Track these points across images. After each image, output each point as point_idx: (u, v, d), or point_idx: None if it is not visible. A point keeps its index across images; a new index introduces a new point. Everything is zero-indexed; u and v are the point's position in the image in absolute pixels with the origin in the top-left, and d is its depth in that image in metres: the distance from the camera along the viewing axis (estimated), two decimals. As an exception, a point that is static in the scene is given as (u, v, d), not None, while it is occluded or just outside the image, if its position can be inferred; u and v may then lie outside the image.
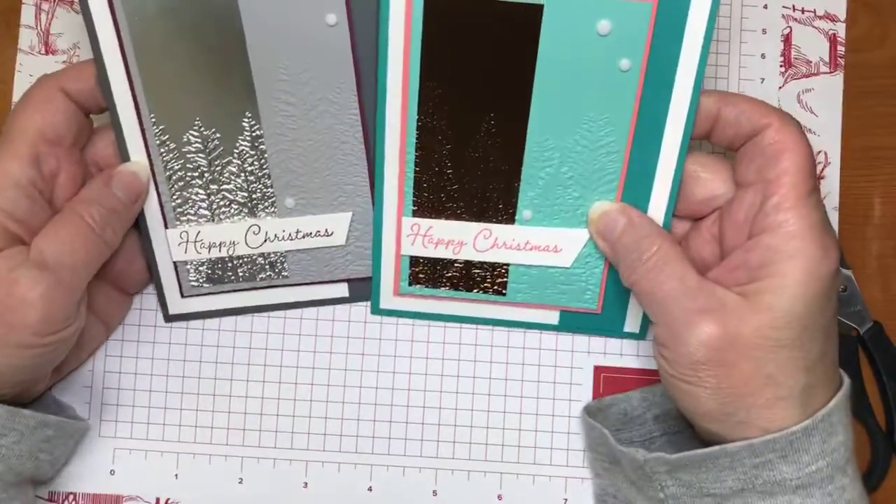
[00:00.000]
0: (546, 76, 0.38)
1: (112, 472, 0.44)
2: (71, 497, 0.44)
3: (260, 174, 0.41)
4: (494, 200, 0.41)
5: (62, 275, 0.36)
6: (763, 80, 0.45)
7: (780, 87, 0.45)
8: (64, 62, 0.45)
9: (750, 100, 0.37)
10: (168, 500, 0.44)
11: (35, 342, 0.36)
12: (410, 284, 0.43)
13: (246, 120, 0.40)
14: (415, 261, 0.42)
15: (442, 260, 0.42)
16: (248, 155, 0.40)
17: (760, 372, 0.34)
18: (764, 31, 0.46)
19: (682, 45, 0.37)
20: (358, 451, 0.44)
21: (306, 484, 0.44)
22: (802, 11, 0.46)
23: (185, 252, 0.42)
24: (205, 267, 0.42)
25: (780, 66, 0.45)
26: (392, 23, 0.38)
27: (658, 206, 0.40)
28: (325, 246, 0.42)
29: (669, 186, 0.39)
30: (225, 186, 0.41)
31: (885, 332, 0.44)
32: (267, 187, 0.41)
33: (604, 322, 0.43)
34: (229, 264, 0.42)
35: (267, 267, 0.42)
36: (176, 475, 0.44)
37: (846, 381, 0.36)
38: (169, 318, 0.44)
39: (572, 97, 0.38)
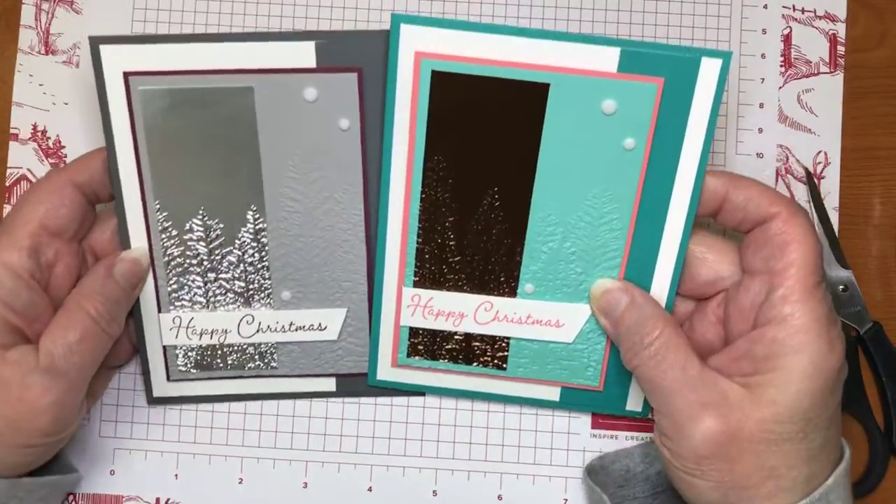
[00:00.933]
0: (550, 153, 0.38)
1: (112, 472, 0.44)
2: (71, 497, 0.44)
3: (259, 266, 0.41)
4: (496, 273, 0.40)
5: (72, 376, 0.36)
6: (763, 80, 0.45)
7: (780, 87, 0.45)
8: (64, 62, 0.45)
9: (759, 186, 0.37)
10: (168, 500, 0.44)
11: (43, 442, 0.37)
12: (409, 356, 0.42)
13: (251, 213, 0.40)
14: (414, 332, 0.42)
15: (442, 332, 0.42)
16: (249, 246, 0.41)
17: (763, 465, 0.34)
18: (764, 31, 0.46)
19: (688, 125, 0.37)
20: (358, 452, 0.44)
21: (306, 484, 0.44)
22: (802, 11, 0.46)
23: (176, 337, 0.42)
24: (194, 353, 0.42)
25: (781, 66, 0.45)
26: (399, 96, 0.38)
27: (661, 284, 0.40)
28: (316, 340, 0.42)
29: (673, 265, 0.39)
30: (223, 275, 0.41)
31: (884, 332, 0.44)
32: (265, 279, 0.41)
33: (605, 400, 0.43)
34: (219, 352, 0.42)
35: (257, 357, 0.42)
36: (176, 475, 0.44)
37: (846, 453, 0.36)
38: (153, 400, 0.43)
39: (576, 174, 0.38)
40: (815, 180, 0.45)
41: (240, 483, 0.44)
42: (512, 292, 0.41)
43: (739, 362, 0.35)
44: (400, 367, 0.43)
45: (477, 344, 0.42)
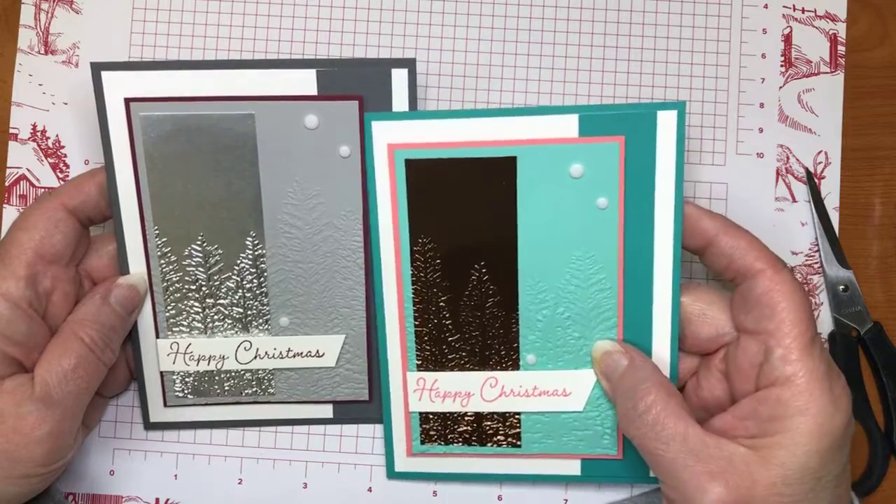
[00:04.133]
0: (528, 222, 0.39)
1: (112, 473, 0.44)
2: (71, 497, 0.44)
3: (258, 292, 0.41)
4: (496, 347, 0.41)
5: (67, 405, 0.36)
6: (763, 80, 0.45)
7: (780, 87, 0.45)
8: (63, 62, 0.45)
9: (748, 237, 0.37)
10: (168, 500, 0.44)
11: (40, 472, 0.36)
12: (422, 443, 0.42)
13: (249, 239, 0.40)
14: (425, 417, 0.42)
15: (452, 414, 0.42)
16: (247, 272, 0.41)
17: None
18: (764, 31, 0.45)
19: (656, 176, 0.38)
20: (358, 452, 0.44)
21: (306, 484, 0.44)
22: (803, 11, 0.46)
23: (174, 363, 0.42)
24: (191, 379, 0.42)
25: (781, 65, 0.45)
26: (379, 184, 0.39)
27: (662, 341, 0.40)
28: (314, 367, 0.42)
29: (669, 319, 0.39)
30: (221, 301, 0.41)
31: (885, 332, 0.44)
32: (263, 305, 0.41)
33: (627, 468, 0.42)
34: (216, 378, 0.42)
35: (254, 383, 0.42)
36: (175, 475, 0.44)
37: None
38: (149, 425, 0.43)
39: (556, 239, 0.39)
40: (816, 180, 0.45)
41: (240, 483, 0.44)
42: (514, 365, 0.41)
43: (745, 423, 0.35)
44: (416, 456, 0.43)
45: (488, 423, 0.42)
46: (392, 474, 0.43)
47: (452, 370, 0.41)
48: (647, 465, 0.41)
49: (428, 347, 0.41)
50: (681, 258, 0.39)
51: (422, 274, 0.40)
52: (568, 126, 0.38)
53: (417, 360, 0.41)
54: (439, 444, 0.42)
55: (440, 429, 0.42)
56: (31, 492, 0.37)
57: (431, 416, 0.42)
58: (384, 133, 0.39)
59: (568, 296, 0.40)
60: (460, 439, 0.42)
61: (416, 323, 0.41)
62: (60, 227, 0.38)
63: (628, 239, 0.39)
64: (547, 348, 0.40)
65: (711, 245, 0.37)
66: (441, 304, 0.40)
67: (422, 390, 0.41)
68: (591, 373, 0.40)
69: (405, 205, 0.39)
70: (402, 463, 0.43)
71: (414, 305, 0.40)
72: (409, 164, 0.39)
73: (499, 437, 0.42)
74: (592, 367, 0.40)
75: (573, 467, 0.42)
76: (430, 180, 0.39)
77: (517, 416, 0.41)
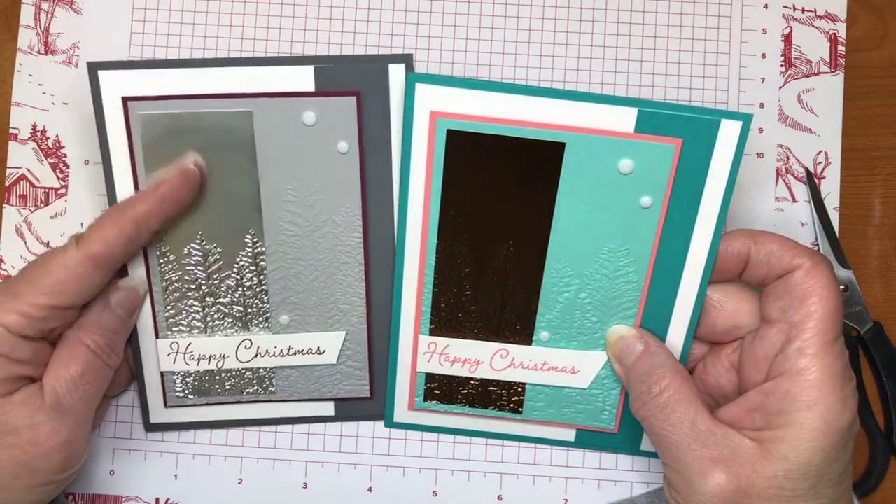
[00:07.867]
0: (566, 209, 0.38)
1: (112, 473, 0.44)
2: (71, 497, 0.44)
3: (258, 290, 0.41)
4: (512, 321, 0.41)
5: (78, 411, 0.36)
6: (763, 80, 0.45)
7: (780, 87, 0.45)
8: (63, 62, 0.45)
9: (779, 239, 0.36)
10: (168, 500, 0.44)
11: (57, 479, 0.37)
12: (425, 400, 0.42)
13: (249, 237, 0.40)
14: (430, 377, 0.42)
15: (458, 377, 0.42)
16: (247, 270, 0.41)
17: None
18: (764, 31, 0.46)
19: (706, 185, 0.38)
20: (358, 452, 0.44)
21: (306, 484, 0.44)
22: (803, 11, 0.46)
23: (174, 363, 0.42)
24: (192, 379, 0.42)
25: (781, 65, 0.45)
26: (415, 152, 0.38)
27: (677, 335, 0.40)
28: (315, 364, 0.42)
29: (689, 318, 0.39)
30: (221, 300, 0.41)
31: (885, 332, 0.44)
32: (263, 303, 0.41)
33: (620, 441, 0.43)
34: (217, 377, 0.42)
35: (255, 382, 0.42)
36: (175, 475, 0.44)
37: None
38: (150, 426, 0.43)
39: (592, 229, 0.39)
40: (816, 180, 0.45)
41: (240, 483, 0.44)
42: (527, 340, 0.41)
43: (752, 415, 0.35)
44: (417, 411, 0.43)
45: (493, 388, 0.42)
46: (390, 424, 0.43)
47: (465, 338, 0.41)
48: (639, 440, 0.42)
49: (444, 314, 0.41)
50: (712, 267, 0.38)
51: (447, 244, 0.40)
52: (624, 119, 0.37)
53: (431, 325, 0.41)
54: (442, 402, 0.42)
55: (445, 389, 0.42)
56: (48, 498, 0.38)
57: (438, 377, 0.42)
58: (427, 98, 0.37)
59: (593, 283, 0.39)
60: (464, 400, 0.42)
61: (435, 291, 0.40)
62: (83, 284, 0.36)
63: (664, 240, 0.38)
64: (563, 328, 0.40)
65: (748, 261, 0.37)
66: (462, 275, 0.40)
67: (432, 353, 0.41)
68: (602, 354, 0.41)
69: (440, 175, 0.38)
70: (402, 415, 0.43)
71: (435, 273, 0.40)
72: (451, 135, 0.38)
73: (501, 402, 0.42)
74: (605, 349, 0.40)
75: (568, 435, 0.43)
76: (470, 154, 0.38)
77: (522, 386, 0.42)
